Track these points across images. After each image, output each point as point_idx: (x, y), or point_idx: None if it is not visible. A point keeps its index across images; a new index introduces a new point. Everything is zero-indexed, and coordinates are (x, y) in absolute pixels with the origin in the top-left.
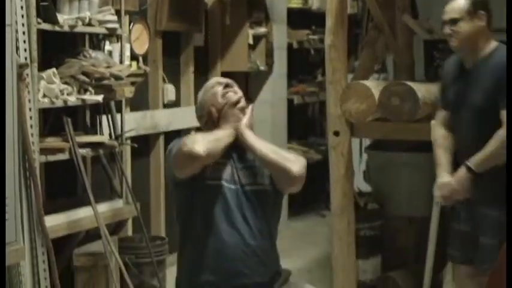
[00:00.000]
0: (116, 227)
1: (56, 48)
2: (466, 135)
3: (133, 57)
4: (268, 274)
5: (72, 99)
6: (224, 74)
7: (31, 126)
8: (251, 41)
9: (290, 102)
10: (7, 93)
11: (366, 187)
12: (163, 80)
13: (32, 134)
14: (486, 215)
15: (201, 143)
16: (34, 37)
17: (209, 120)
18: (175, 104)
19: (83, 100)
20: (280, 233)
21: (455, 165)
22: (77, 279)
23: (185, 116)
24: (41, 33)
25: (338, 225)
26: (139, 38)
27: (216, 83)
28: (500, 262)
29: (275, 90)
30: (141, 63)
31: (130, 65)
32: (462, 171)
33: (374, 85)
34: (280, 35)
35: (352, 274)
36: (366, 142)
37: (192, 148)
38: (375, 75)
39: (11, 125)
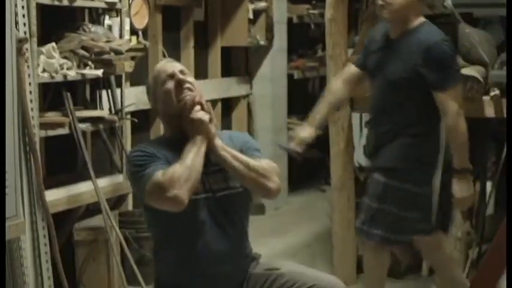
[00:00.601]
0: (116, 202)
1: (56, 23)
2: (378, 102)
3: (133, 31)
4: (244, 267)
5: (72, 74)
6: (224, 49)
7: (31, 101)
8: (251, 16)
9: (290, 77)
10: (7, 68)
11: (366, 162)
12: (163, 55)
13: (31, 109)
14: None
15: (183, 186)
16: (33, 11)
17: (165, 116)
18: None
19: (83, 75)
20: (279, 209)
21: (364, 125)
22: (77, 254)
23: None
24: (40, 7)
25: (338, 200)
26: (139, 13)
27: (166, 77)
28: (499, 241)
29: (275, 65)
30: (141, 38)
31: (130, 40)
32: (456, 180)
33: None
34: (280, 10)
35: (352, 249)
36: (366, 117)
37: (175, 196)
38: None
39: (10, 100)
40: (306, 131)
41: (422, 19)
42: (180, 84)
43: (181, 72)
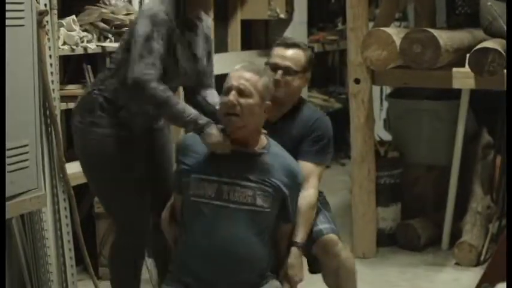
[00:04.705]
0: None
1: None
2: None
3: None
4: (249, 281)
5: (92, 47)
6: (244, 22)
7: (51, 73)
8: None
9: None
10: (27, 40)
11: (386, 135)
12: None
13: (52, 82)
14: None
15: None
16: None
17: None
18: None
19: (103, 47)
20: None
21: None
22: (98, 226)
23: None
24: None
25: (358, 174)
26: None
27: (227, 88)
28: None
29: (295, 38)
30: None
31: None
32: (296, 251)
33: (395, 32)
34: None
35: (371, 222)
36: (387, 90)
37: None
38: (396, 24)
39: (31, 73)
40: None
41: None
42: (229, 105)
43: (240, 91)
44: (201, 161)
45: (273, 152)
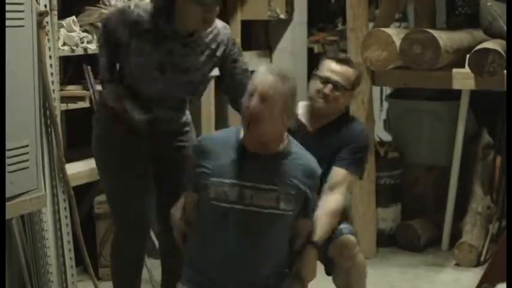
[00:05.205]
0: None
1: None
2: None
3: None
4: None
5: (92, 47)
6: (244, 22)
7: (51, 74)
8: None
9: (310, 50)
10: (27, 41)
11: (386, 136)
12: None
13: (52, 82)
14: None
15: None
16: None
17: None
18: None
19: None
20: None
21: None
22: (98, 227)
23: None
24: None
25: None
26: None
27: (251, 90)
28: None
29: (295, 38)
30: None
31: None
32: (312, 250)
33: (395, 33)
34: None
35: (371, 222)
36: (387, 90)
37: None
38: (396, 24)
39: (31, 73)
40: None
41: None
42: (253, 112)
43: (263, 98)
44: (221, 164)
45: (294, 152)
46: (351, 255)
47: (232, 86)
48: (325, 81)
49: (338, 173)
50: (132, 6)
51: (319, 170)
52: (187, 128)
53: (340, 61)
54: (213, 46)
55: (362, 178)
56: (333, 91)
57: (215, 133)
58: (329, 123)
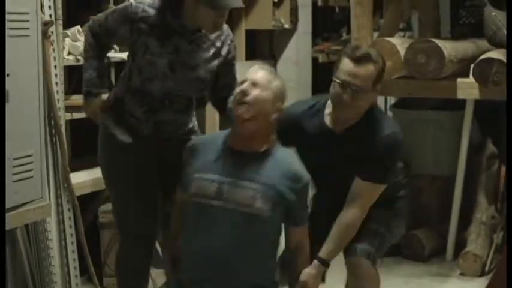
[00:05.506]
0: None
1: (81, 6)
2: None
3: None
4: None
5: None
6: (248, 32)
7: (56, 83)
8: None
9: (315, 60)
10: (32, 51)
11: None
12: None
13: (57, 92)
14: None
15: None
16: None
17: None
18: None
19: (108, 58)
20: None
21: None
22: (102, 236)
23: None
24: None
25: None
26: None
27: (242, 80)
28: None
29: (299, 48)
30: None
31: None
32: (316, 265)
33: (400, 42)
34: None
35: None
36: (391, 100)
37: None
38: (400, 34)
39: (36, 83)
40: None
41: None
42: (242, 94)
43: (253, 83)
44: (205, 161)
45: (279, 155)
46: (360, 278)
47: (220, 87)
48: (344, 85)
49: (357, 184)
50: (133, 3)
51: (304, 176)
52: (193, 136)
53: (359, 60)
54: (218, 44)
55: (387, 183)
56: (353, 96)
57: (207, 134)
58: (356, 122)
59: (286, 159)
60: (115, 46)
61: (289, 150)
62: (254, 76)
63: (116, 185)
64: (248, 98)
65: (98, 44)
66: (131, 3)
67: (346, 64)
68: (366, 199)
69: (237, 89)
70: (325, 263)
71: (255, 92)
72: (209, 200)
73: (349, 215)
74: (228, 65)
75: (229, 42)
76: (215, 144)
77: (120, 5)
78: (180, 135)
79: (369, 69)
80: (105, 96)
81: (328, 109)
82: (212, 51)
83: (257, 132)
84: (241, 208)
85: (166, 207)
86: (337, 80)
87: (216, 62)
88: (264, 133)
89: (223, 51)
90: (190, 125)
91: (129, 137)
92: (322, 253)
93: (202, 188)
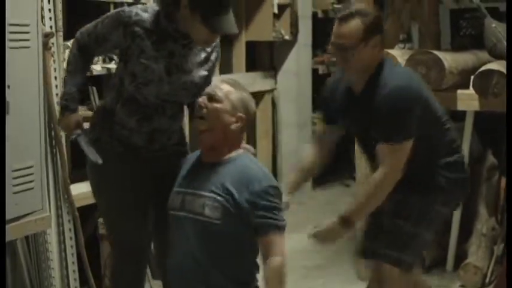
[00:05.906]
0: None
1: (81, 17)
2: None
3: None
4: None
5: (97, 68)
6: (249, 43)
7: (56, 95)
8: (276, 10)
9: (315, 72)
10: (33, 62)
11: None
12: None
13: (57, 103)
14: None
15: None
16: (59, 6)
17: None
18: None
19: (108, 69)
20: (304, 203)
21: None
22: (102, 247)
23: None
24: (66, 1)
25: None
26: None
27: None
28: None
29: (300, 59)
30: None
31: None
32: (334, 221)
33: (400, 54)
34: (305, 4)
35: None
36: None
37: None
38: (400, 45)
39: (36, 94)
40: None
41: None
42: (199, 107)
43: (210, 97)
44: (181, 175)
45: (238, 162)
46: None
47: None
48: (333, 47)
49: (379, 150)
50: (126, 9)
51: (263, 181)
52: (184, 149)
53: (342, 19)
54: (208, 49)
55: (410, 139)
56: (342, 55)
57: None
58: (367, 80)
59: (246, 166)
60: (115, 57)
61: (252, 157)
62: (209, 90)
63: (107, 197)
64: (203, 111)
65: (82, 55)
66: (123, 9)
67: (334, 26)
68: (388, 161)
69: (196, 103)
70: (345, 220)
71: (210, 106)
72: (176, 212)
73: (376, 175)
74: (213, 71)
75: (217, 49)
76: (192, 159)
77: (112, 11)
78: (171, 145)
79: (352, 26)
80: (81, 112)
81: None
82: (203, 55)
83: (217, 143)
84: (196, 217)
85: (160, 222)
86: (330, 42)
87: (206, 67)
88: (225, 143)
89: (213, 57)
90: (180, 134)
91: (100, 158)
92: (345, 211)
93: (172, 201)
